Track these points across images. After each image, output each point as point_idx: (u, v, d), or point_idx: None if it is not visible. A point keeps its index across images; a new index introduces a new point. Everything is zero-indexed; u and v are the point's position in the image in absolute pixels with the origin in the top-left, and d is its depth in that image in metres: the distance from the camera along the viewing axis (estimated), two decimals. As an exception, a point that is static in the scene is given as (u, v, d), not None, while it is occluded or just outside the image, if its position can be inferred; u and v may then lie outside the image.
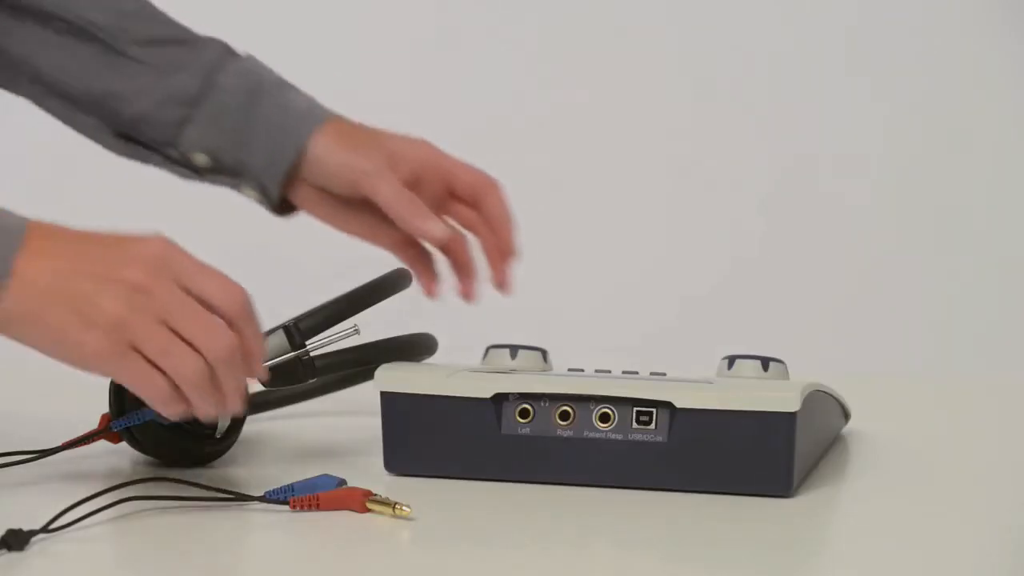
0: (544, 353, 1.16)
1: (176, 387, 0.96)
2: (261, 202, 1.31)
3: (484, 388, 1.06)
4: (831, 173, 2.75)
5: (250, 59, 1.35)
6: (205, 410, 0.97)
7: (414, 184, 1.27)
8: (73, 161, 2.81)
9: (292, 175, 1.28)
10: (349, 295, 1.14)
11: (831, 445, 1.18)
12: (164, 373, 0.96)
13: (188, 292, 0.97)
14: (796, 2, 2.75)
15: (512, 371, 1.11)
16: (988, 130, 2.72)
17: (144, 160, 1.36)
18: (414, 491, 1.02)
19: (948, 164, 2.74)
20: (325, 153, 1.28)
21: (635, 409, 1.04)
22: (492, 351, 1.16)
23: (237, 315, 0.98)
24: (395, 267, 1.31)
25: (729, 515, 0.99)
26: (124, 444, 1.11)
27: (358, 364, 1.14)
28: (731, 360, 1.15)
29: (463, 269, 1.23)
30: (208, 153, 1.31)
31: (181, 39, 1.36)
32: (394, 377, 1.08)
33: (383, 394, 1.08)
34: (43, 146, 2.84)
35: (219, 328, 0.97)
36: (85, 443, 1.09)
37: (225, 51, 1.35)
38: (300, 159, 1.28)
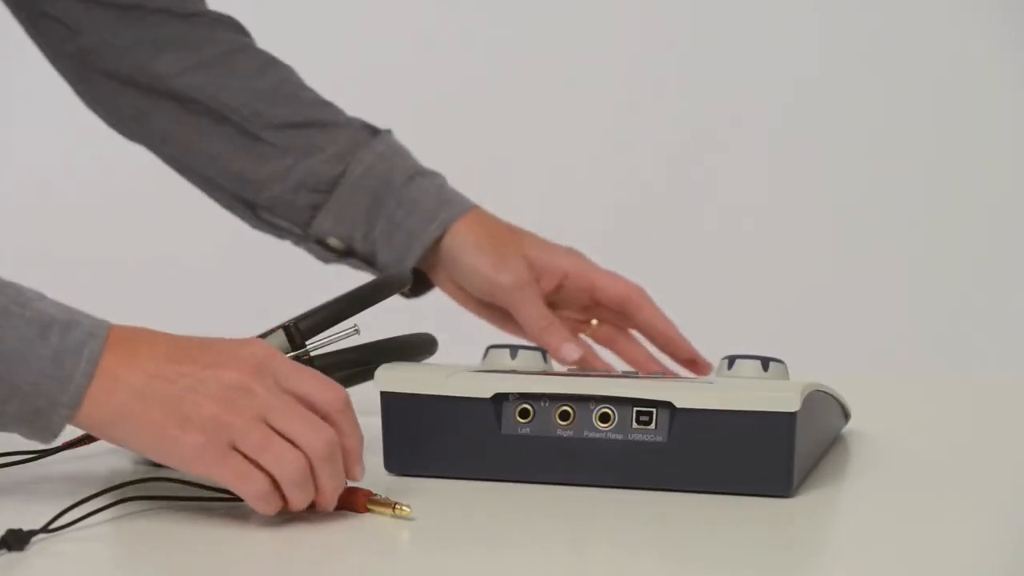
0: (544, 353, 1.16)
1: (275, 484, 0.94)
2: None
3: (484, 388, 1.06)
4: (831, 173, 2.75)
5: (385, 141, 1.37)
6: (300, 506, 0.95)
7: (557, 293, 1.32)
8: (77, 162, 2.81)
9: (429, 266, 1.33)
10: (349, 295, 1.14)
11: (831, 445, 1.18)
12: (263, 471, 0.93)
13: (286, 391, 0.95)
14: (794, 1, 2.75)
15: (512, 371, 1.11)
16: (988, 129, 2.72)
17: (282, 237, 1.39)
18: (414, 491, 1.01)
19: (949, 164, 2.74)
20: (462, 254, 1.32)
21: (635, 409, 1.04)
22: (492, 351, 1.16)
23: (337, 412, 0.96)
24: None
25: (729, 515, 0.99)
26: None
27: (358, 364, 1.14)
28: (731, 360, 1.15)
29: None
30: (341, 240, 1.34)
31: (316, 122, 1.37)
32: (394, 377, 1.08)
33: (383, 394, 1.08)
34: (47, 148, 2.85)
35: (319, 424, 0.95)
36: (85, 443, 1.09)
37: (361, 134, 1.37)
38: (432, 256, 1.32)
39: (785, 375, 1.14)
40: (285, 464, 0.93)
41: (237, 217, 1.41)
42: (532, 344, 1.30)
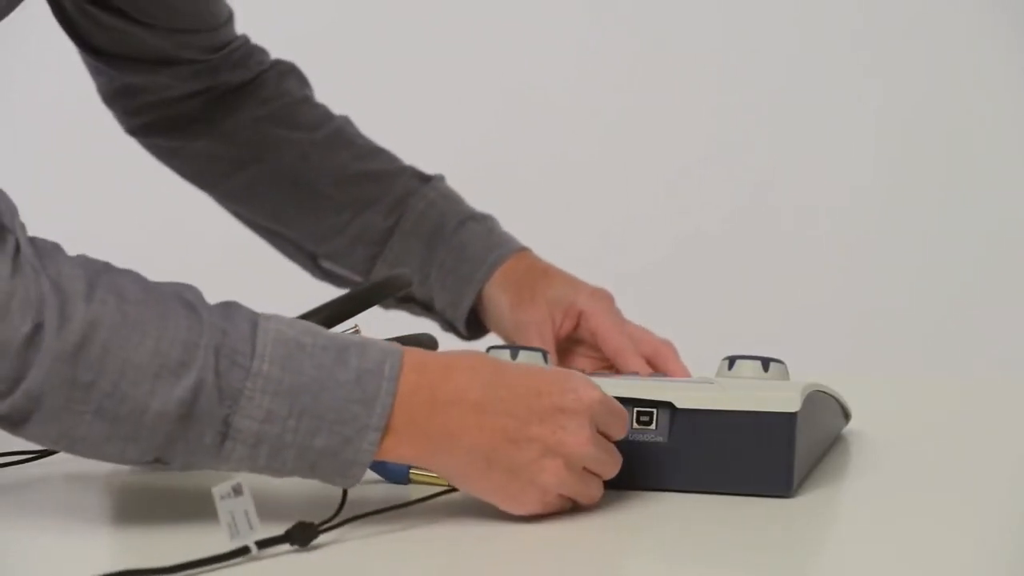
0: (544, 354, 1.16)
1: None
2: (447, 330, 1.39)
3: (484, 388, 1.06)
4: (832, 173, 2.75)
5: (436, 188, 1.39)
6: None
7: (575, 331, 1.34)
8: (76, 165, 2.81)
9: (477, 304, 1.36)
10: (349, 295, 1.14)
11: (831, 445, 1.18)
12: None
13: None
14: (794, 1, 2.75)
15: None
16: (988, 129, 2.72)
17: (341, 287, 1.42)
18: (414, 492, 1.01)
19: (949, 164, 2.74)
20: (491, 293, 1.36)
21: (635, 409, 1.04)
22: (492, 351, 1.16)
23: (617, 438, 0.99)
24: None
25: (729, 515, 0.99)
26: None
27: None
28: (731, 360, 1.15)
29: None
30: None
31: (370, 173, 1.40)
32: (394, 377, 1.07)
33: (383, 394, 1.07)
34: (46, 146, 2.85)
35: (616, 457, 0.98)
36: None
37: (413, 182, 1.40)
38: (478, 296, 1.36)
39: (785, 375, 1.14)
40: (594, 497, 0.97)
41: (298, 266, 1.44)
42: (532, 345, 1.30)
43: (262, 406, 0.89)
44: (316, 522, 0.89)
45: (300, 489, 0.99)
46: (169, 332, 0.88)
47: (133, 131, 1.43)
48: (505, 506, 0.95)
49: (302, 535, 0.89)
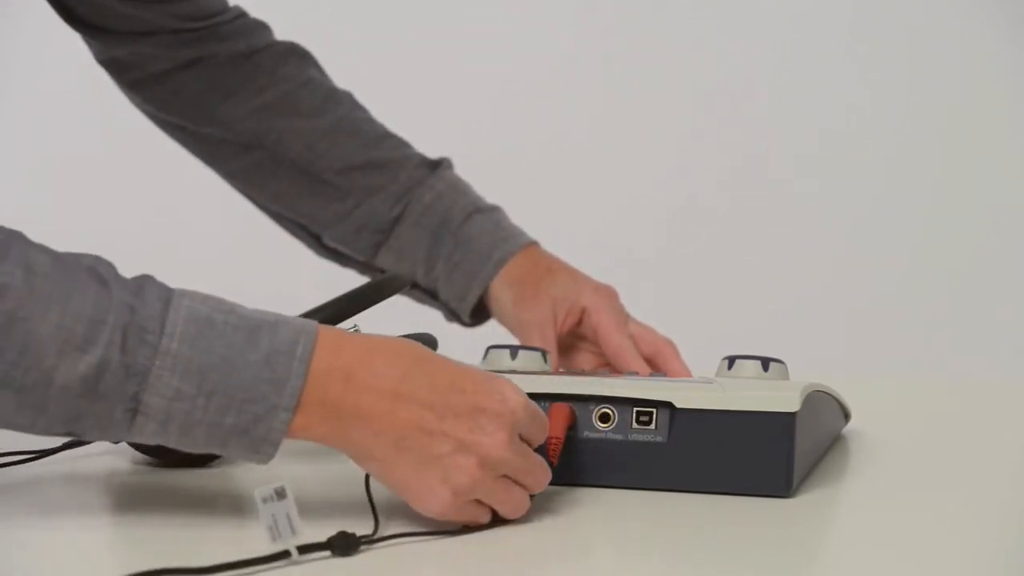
0: (544, 353, 1.16)
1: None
2: (450, 320, 1.39)
3: (484, 388, 1.06)
4: (832, 173, 2.75)
5: (444, 178, 1.40)
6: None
7: (579, 327, 1.34)
8: (77, 169, 2.81)
9: (485, 297, 1.37)
10: (349, 295, 1.14)
11: (831, 445, 1.18)
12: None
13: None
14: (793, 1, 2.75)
15: (512, 371, 1.11)
16: (987, 129, 2.72)
17: (345, 266, 1.44)
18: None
19: (948, 165, 2.74)
20: (496, 289, 1.36)
21: (635, 409, 1.04)
22: (492, 351, 1.16)
23: (537, 443, 0.97)
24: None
25: (729, 515, 0.99)
26: (124, 444, 1.11)
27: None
28: (731, 360, 1.15)
29: None
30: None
31: (376, 162, 1.40)
32: (394, 377, 1.08)
33: (383, 394, 1.07)
34: (43, 146, 2.84)
35: (544, 470, 0.96)
36: (85, 443, 1.09)
37: (420, 171, 1.40)
38: (483, 294, 1.37)
39: (785, 375, 1.14)
40: (516, 509, 0.95)
41: (303, 244, 1.44)
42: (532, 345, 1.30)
43: (171, 384, 0.88)
44: (358, 532, 0.89)
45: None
46: (74, 307, 0.87)
47: (137, 105, 1.44)
48: (414, 502, 0.93)
49: (343, 544, 0.88)
